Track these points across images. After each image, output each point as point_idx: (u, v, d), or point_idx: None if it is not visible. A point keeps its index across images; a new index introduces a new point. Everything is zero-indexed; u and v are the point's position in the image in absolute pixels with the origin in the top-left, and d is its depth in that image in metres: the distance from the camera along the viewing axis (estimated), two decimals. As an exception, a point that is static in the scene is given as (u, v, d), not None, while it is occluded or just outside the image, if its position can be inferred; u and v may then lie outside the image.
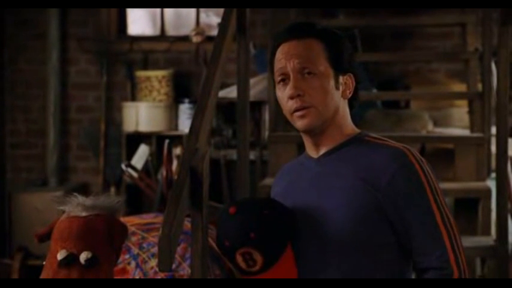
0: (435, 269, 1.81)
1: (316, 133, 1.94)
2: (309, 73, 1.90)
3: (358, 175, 1.86)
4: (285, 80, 1.93)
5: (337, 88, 1.93)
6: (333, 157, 1.93)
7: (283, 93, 1.93)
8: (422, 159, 1.88)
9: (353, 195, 1.85)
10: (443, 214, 1.83)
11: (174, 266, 2.53)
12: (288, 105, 1.92)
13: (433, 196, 1.84)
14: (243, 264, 1.84)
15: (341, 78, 1.94)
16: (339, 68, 1.93)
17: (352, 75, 1.96)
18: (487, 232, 3.83)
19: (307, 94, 1.89)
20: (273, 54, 1.98)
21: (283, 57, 1.93)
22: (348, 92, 1.96)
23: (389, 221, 1.84)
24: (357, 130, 1.99)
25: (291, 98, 1.90)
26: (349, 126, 1.97)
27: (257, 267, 1.83)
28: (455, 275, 1.80)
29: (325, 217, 1.87)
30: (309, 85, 1.89)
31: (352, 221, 1.84)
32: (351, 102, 1.99)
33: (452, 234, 1.82)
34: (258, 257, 1.83)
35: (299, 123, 1.92)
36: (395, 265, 1.86)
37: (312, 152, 1.98)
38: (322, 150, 1.96)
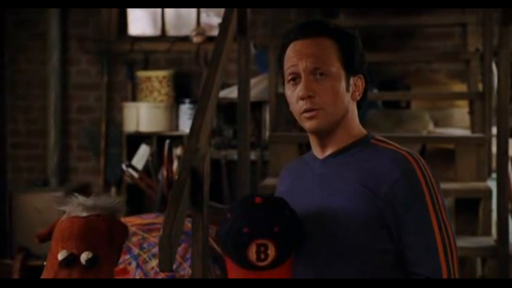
0: (427, 277, 1.79)
1: (323, 134, 1.92)
2: (321, 74, 1.87)
3: (360, 180, 1.85)
4: (295, 79, 1.90)
5: (347, 90, 1.91)
6: (338, 159, 1.92)
7: (293, 93, 1.91)
8: (426, 166, 1.86)
9: (354, 201, 1.84)
10: (441, 225, 1.81)
11: (174, 266, 2.53)
12: (297, 105, 1.90)
13: (433, 206, 1.82)
14: (253, 256, 1.80)
15: (352, 80, 1.92)
16: (350, 69, 1.91)
17: (362, 77, 1.95)
18: (487, 232, 3.82)
19: (317, 96, 1.86)
20: (283, 51, 1.94)
21: (295, 56, 1.89)
22: (357, 93, 1.94)
23: (388, 228, 1.83)
24: (364, 131, 1.97)
25: (302, 98, 1.88)
26: (357, 128, 1.95)
27: (266, 262, 1.80)
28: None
29: (326, 221, 1.87)
30: (321, 86, 1.87)
31: (352, 226, 1.83)
32: (359, 103, 1.97)
33: (448, 247, 1.80)
34: (272, 252, 1.80)
35: (307, 124, 1.90)
36: (392, 272, 1.85)
37: (317, 152, 1.97)
38: (328, 152, 1.94)
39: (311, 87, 1.86)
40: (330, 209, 1.87)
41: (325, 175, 1.92)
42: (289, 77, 1.91)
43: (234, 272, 1.85)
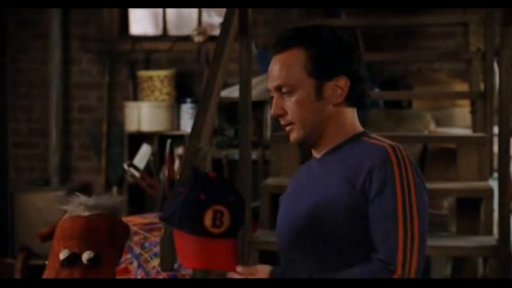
0: (381, 261, 1.80)
1: (309, 143, 1.99)
2: (286, 91, 1.94)
3: (344, 175, 1.88)
4: (273, 97, 2.00)
5: (320, 98, 1.93)
6: (331, 157, 1.96)
7: None
8: (406, 159, 1.86)
9: (338, 195, 1.87)
10: (407, 214, 1.81)
11: (176, 265, 2.53)
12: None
13: (402, 195, 1.82)
14: (209, 222, 1.84)
15: (327, 85, 1.93)
16: (323, 76, 1.92)
17: (345, 76, 1.93)
18: (489, 232, 3.82)
19: (287, 113, 1.95)
20: None
21: (269, 76, 1.98)
22: (337, 96, 1.93)
23: (366, 219, 1.86)
24: (358, 129, 1.98)
25: (275, 116, 1.98)
26: (349, 126, 1.97)
27: (222, 230, 1.85)
28: (397, 275, 1.78)
29: (314, 216, 1.91)
30: (288, 103, 1.94)
31: (336, 219, 1.87)
32: (357, 101, 1.97)
33: (409, 236, 1.80)
34: (227, 221, 1.85)
35: (290, 138, 1.99)
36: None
37: (314, 153, 2.02)
38: (323, 151, 1.98)
39: (279, 105, 1.95)
40: (317, 205, 1.91)
41: (319, 174, 1.96)
42: (270, 95, 2.01)
43: (184, 243, 1.87)
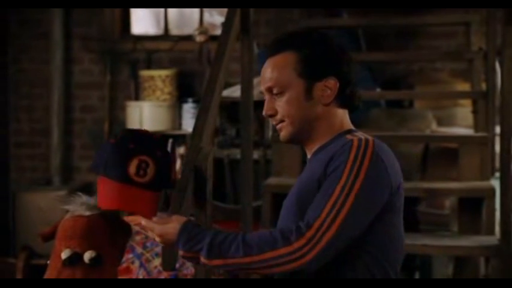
0: (298, 225, 1.81)
1: (299, 141, 2.03)
2: (276, 92, 1.99)
3: (318, 171, 1.91)
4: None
5: (309, 98, 1.97)
6: (316, 156, 1.99)
7: None
8: (368, 151, 1.87)
9: (308, 188, 1.91)
10: (341, 196, 1.82)
11: (177, 265, 2.53)
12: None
13: (346, 180, 1.83)
14: (133, 170, 1.89)
15: (317, 86, 1.97)
16: (313, 76, 1.97)
17: (334, 78, 1.97)
18: (491, 231, 3.82)
19: (277, 113, 2.00)
20: None
21: (261, 79, 2.04)
22: (327, 96, 1.97)
23: None
24: (345, 128, 2.01)
25: (266, 116, 2.04)
26: (337, 126, 2.00)
27: (145, 180, 1.89)
28: (305, 237, 1.79)
29: (286, 212, 1.98)
30: (278, 103, 2.00)
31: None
32: (347, 103, 2.01)
33: (333, 213, 1.80)
34: (151, 173, 1.90)
35: (280, 136, 2.04)
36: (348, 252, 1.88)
37: (307, 152, 2.06)
38: (313, 151, 2.03)
39: (270, 106, 2.02)
40: (296, 203, 1.94)
41: (306, 171, 2.00)
42: (263, 98, 2.06)
43: (107, 188, 1.89)
